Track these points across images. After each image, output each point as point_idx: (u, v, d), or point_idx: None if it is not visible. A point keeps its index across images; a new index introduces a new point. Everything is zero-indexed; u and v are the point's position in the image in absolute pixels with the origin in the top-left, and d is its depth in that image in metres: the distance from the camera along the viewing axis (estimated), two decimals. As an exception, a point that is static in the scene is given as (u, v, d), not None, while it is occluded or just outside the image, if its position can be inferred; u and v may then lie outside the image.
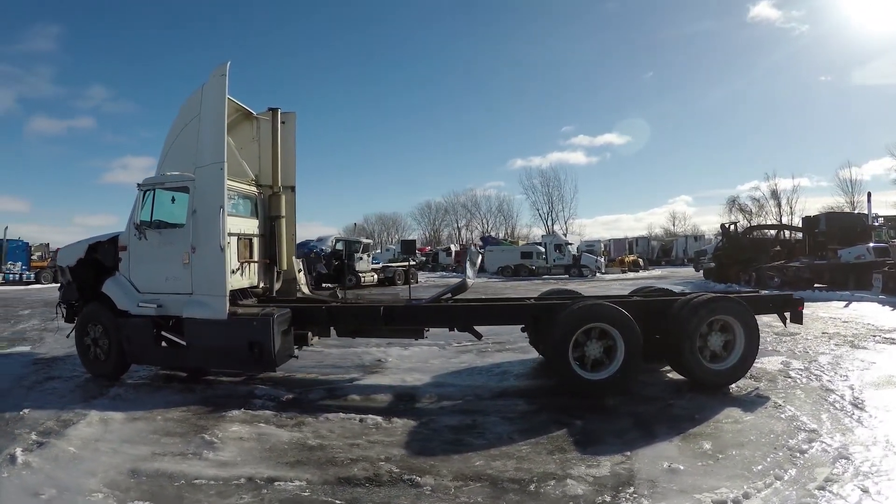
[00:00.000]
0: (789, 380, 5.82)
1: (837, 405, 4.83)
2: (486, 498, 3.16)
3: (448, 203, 68.87)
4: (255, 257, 6.97)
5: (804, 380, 5.81)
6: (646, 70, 78.80)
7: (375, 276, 24.27)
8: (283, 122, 7.63)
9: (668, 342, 5.67)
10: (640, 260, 37.67)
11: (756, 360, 6.73)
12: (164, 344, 5.89)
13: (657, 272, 34.94)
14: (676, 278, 26.58)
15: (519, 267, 31.44)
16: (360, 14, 78.77)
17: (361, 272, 23.31)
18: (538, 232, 48.08)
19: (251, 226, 6.96)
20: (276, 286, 7.39)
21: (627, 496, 3.13)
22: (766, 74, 73.23)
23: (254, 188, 7.17)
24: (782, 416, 4.57)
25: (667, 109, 77.56)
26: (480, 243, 42.53)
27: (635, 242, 46.50)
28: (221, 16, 76.16)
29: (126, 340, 5.64)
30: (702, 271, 25.96)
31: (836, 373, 6.06)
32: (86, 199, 79.48)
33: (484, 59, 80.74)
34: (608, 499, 3.10)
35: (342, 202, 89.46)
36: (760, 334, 5.66)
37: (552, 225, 57.68)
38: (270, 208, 7.34)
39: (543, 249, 31.65)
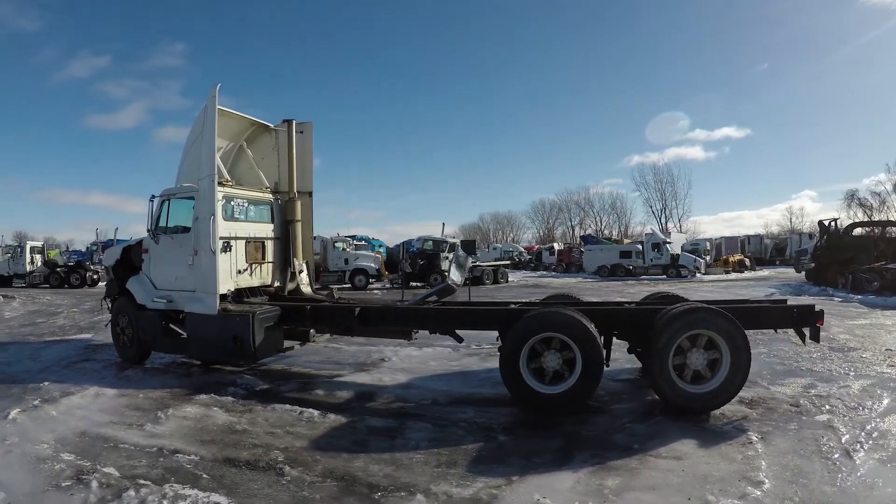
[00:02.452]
0: (794, 409, 5.03)
1: (825, 450, 4.08)
2: (326, 497, 3.48)
3: (562, 201, 71.23)
4: (269, 259, 8.10)
5: (812, 411, 4.99)
6: (760, 61, 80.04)
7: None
8: (301, 132, 8.67)
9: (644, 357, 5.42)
10: (747, 260, 34.93)
11: (778, 381, 6.07)
12: (182, 335, 7.29)
13: (764, 272, 32.84)
14: (777, 280, 24.44)
15: (616, 267, 30.86)
16: (479, 14, 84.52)
17: (447, 271, 24.39)
18: (654, 230, 46.54)
19: (264, 230, 8.08)
20: (290, 286, 8.46)
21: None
22: (884, 60, 68.17)
23: (269, 195, 8.29)
24: (739, 457, 4.02)
25: (785, 100, 78.40)
26: (581, 242, 42.01)
27: (747, 240, 43.85)
28: (333, 26, 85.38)
29: (141, 330, 7.10)
30: (803, 272, 23.90)
31: (859, 405, 5.09)
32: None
33: (598, 54, 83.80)
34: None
35: (461, 201, 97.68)
36: (751, 354, 5.04)
37: (666, 222, 57.46)
38: (286, 213, 8.45)
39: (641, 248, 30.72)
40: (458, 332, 6.40)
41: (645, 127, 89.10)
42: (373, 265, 24.96)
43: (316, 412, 5.27)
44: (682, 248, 32.16)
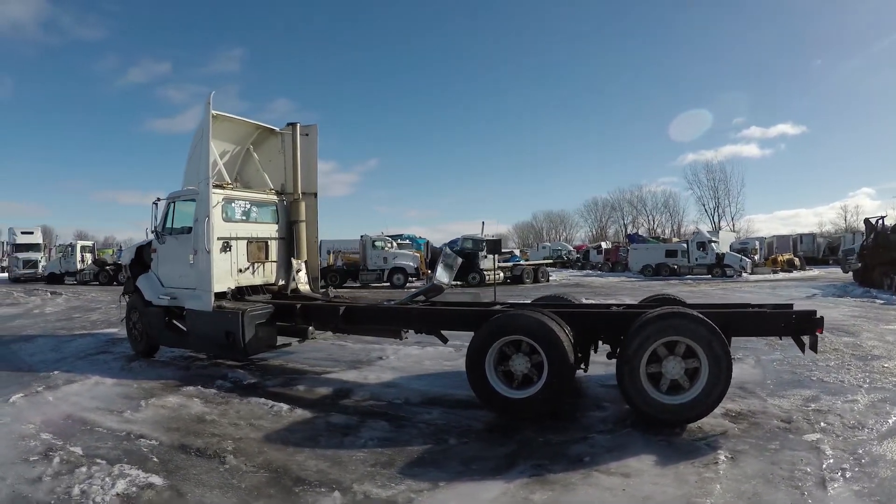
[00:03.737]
0: (783, 426, 4.72)
1: (797, 476, 3.77)
2: (250, 486, 3.79)
3: (614, 200, 74.21)
4: (272, 258, 8.69)
5: (804, 428, 4.66)
6: (813, 57, 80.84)
7: (501, 275, 25.99)
8: (306, 135, 9.19)
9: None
10: (797, 259, 35.11)
11: (779, 392, 5.77)
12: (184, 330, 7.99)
13: (814, 272, 33.13)
14: (825, 280, 24.03)
15: (660, 266, 31.50)
16: (537, 10, 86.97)
17: (486, 270, 25.20)
18: (705, 229, 48.76)
19: (268, 230, 8.66)
20: (294, 284, 9.02)
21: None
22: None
23: (273, 196, 8.87)
24: (694, 479, 3.80)
25: (841, 95, 78.43)
26: (627, 240, 42.27)
27: (799, 239, 44.10)
28: (387, 28, 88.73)
29: (148, 325, 7.89)
30: (850, 272, 23.57)
31: (860, 423, 4.70)
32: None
33: (652, 51, 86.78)
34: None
35: (515, 199, 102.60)
36: (732, 362, 4.88)
37: (718, 221, 59.99)
38: (291, 213, 9.01)
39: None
40: (444, 332, 6.61)
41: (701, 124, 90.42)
42: (411, 264, 25.75)
43: (286, 406, 5.65)
44: (731, 248, 32.60)
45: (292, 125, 9.01)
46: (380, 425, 5.16)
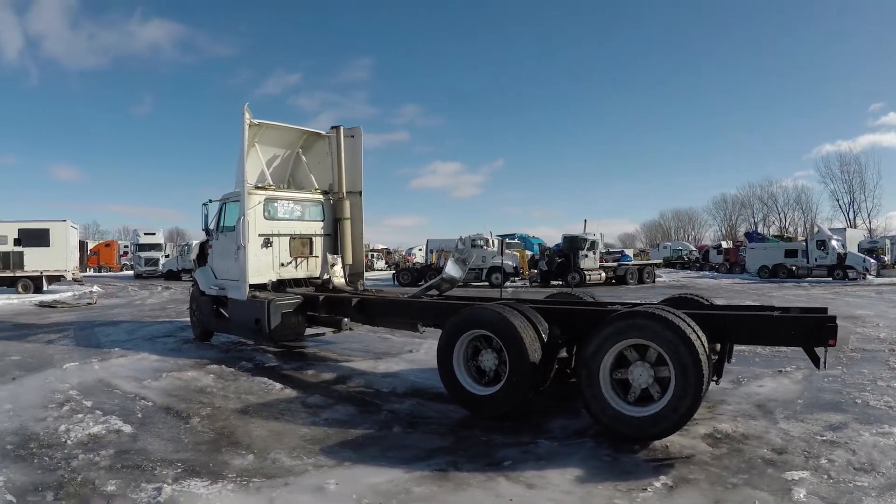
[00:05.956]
0: (768, 457, 4.09)
1: None
2: (193, 441, 4.53)
3: (744, 196, 71.75)
4: (316, 253, 9.72)
5: (793, 463, 3.99)
6: None
7: (603, 274, 25.47)
8: (351, 136, 10.16)
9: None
10: None
11: (802, 414, 5.10)
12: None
13: None
14: None
15: (777, 267, 30.14)
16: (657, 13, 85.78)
17: (587, 270, 24.86)
18: (837, 226, 44.19)
19: (313, 227, 9.68)
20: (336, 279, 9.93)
21: (254, 485, 3.69)
22: None
23: (318, 195, 9.90)
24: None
25: None
26: (745, 240, 41.24)
27: None
28: (510, 27, 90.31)
29: (200, 312, 9.37)
30: None
31: (869, 465, 3.92)
32: (397, 202, 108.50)
33: (782, 41, 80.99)
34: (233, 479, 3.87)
35: (643, 197, 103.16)
36: (704, 373, 4.41)
37: (854, 217, 58.00)
38: (336, 212, 9.99)
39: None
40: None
41: (837, 113, 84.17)
42: (510, 263, 26.27)
43: (278, 386, 6.39)
44: (859, 247, 30.68)
45: (336, 128, 9.97)
46: (346, 409, 5.62)
